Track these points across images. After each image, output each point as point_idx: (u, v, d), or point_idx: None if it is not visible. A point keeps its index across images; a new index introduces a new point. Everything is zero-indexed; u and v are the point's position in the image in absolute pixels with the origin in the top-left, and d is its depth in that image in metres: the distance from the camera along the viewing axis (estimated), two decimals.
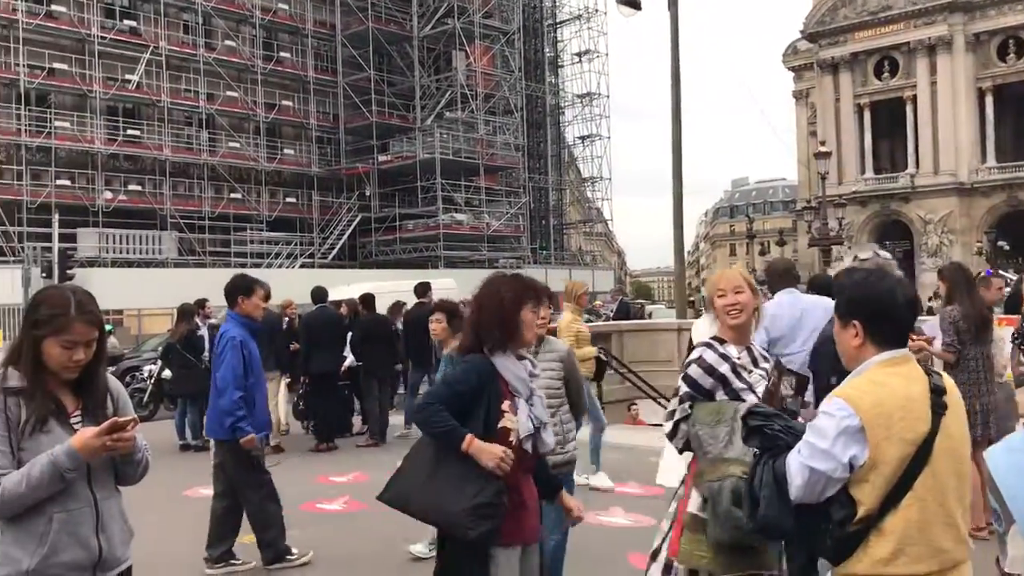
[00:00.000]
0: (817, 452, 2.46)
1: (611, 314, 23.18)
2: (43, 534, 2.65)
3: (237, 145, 39.45)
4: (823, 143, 36.31)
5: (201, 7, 37.94)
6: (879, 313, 2.56)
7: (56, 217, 27.26)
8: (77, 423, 2.77)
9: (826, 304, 5.72)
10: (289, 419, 12.12)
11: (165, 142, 36.77)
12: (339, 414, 11.61)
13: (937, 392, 2.52)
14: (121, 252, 33.62)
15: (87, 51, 34.75)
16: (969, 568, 2.56)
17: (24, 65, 33.02)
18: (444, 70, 45.01)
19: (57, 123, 34.08)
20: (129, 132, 36.39)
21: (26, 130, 33.02)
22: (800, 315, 5.54)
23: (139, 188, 36.46)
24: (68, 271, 23.41)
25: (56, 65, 34.18)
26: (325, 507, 7.79)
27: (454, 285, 28.72)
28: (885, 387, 2.48)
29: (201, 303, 12.14)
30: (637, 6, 18.93)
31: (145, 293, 28.04)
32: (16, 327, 22.36)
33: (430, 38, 43.46)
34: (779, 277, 5.91)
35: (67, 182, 34.18)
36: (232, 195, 39.03)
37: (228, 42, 39.49)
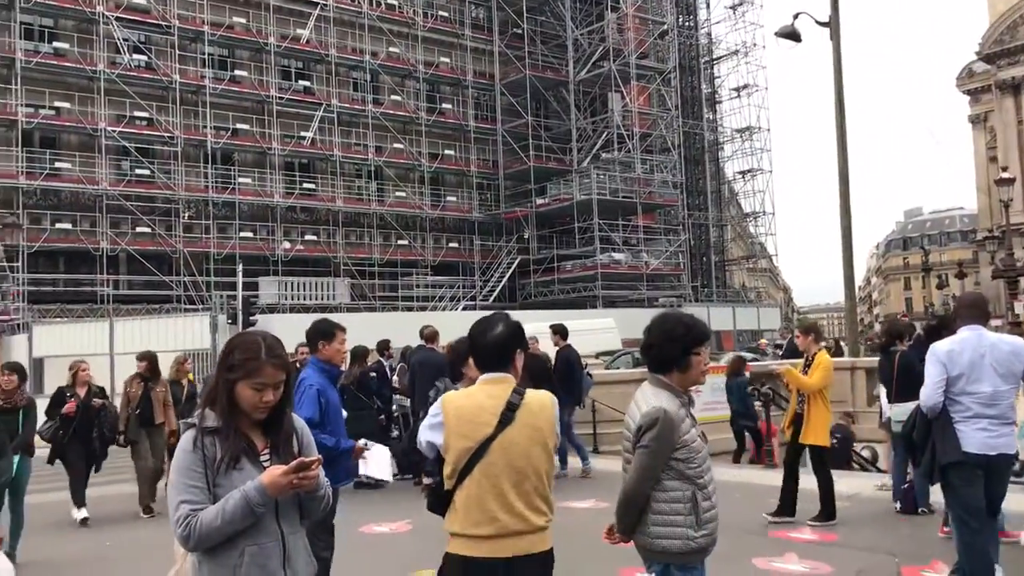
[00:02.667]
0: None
1: (780, 353, 22.48)
2: (236, 566, 2.79)
3: (403, 194, 40.94)
4: (1005, 168, 34.06)
5: (369, 65, 39.85)
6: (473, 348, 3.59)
7: (240, 267, 28.94)
8: (266, 461, 2.91)
9: (1013, 342, 5.39)
10: None
11: (337, 193, 38.57)
12: None
13: (510, 407, 3.38)
14: (298, 298, 35.27)
15: (266, 111, 37.09)
16: (538, 540, 3.36)
17: (211, 127, 35.55)
18: (600, 112, 45.28)
19: (240, 179, 36.37)
20: (304, 185, 38.39)
21: (213, 187, 35.44)
22: (984, 353, 5.22)
23: (314, 238, 38.31)
24: (251, 317, 24.80)
25: (239, 125, 36.62)
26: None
27: (613, 324, 28.58)
28: (471, 397, 3.45)
29: (385, 344, 12.71)
30: (797, 38, 18.51)
31: None
32: (205, 370, 23.92)
33: (586, 82, 43.89)
34: (964, 310, 5.55)
35: (249, 234, 36.32)
36: (399, 242, 40.39)
37: (394, 97, 41.24)
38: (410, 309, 36.94)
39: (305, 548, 2.99)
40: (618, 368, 21.18)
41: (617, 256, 41.34)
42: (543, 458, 3.45)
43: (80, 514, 9.75)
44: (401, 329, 14.62)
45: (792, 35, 18.39)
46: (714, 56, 54.81)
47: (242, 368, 2.89)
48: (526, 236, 43.21)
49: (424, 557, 6.15)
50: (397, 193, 40.86)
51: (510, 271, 42.00)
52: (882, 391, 9.46)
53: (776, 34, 18.63)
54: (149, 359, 10.65)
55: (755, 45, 51.85)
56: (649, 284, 41.71)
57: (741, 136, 52.91)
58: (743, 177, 53.58)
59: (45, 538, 8.66)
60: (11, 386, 7.84)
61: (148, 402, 10.31)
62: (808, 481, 8.45)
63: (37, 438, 8.98)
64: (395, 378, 12.50)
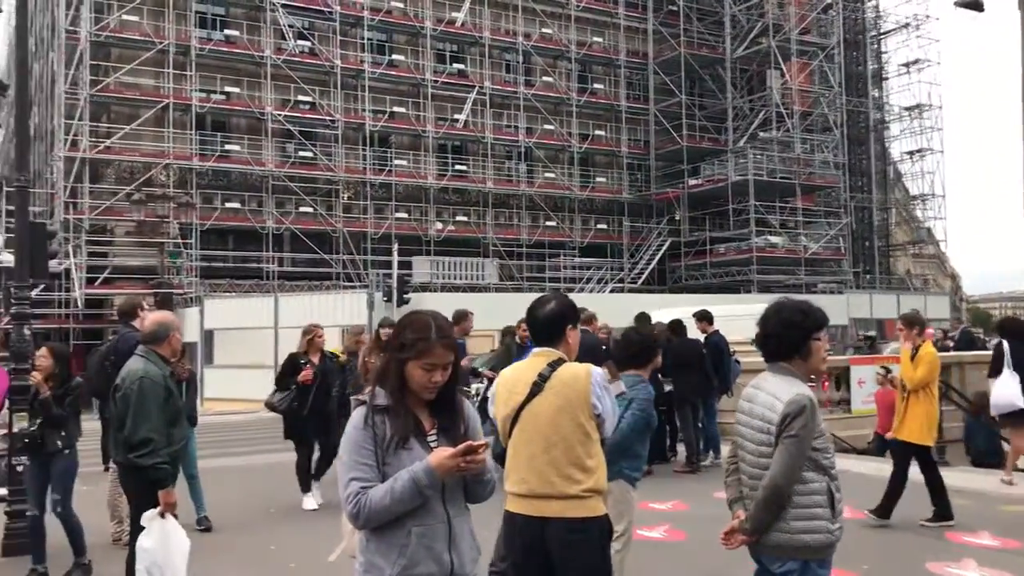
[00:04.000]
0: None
1: (951, 344, 21.26)
2: (403, 546, 2.79)
3: (553, 175, 40.97)
4: None
5: (521, 46, 39.99)
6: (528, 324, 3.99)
7: (395, 247, 29.78)
8: (433, 442, 2.90)
9: None
10: None
11: (488, 175, 39.00)
12: (655, 439, 11.55)
13: (540, 378, 3.65)
14: (449, 278, 35.95)
15: (421, 94, 37.86)
16: (570, 506, 3.56)
17: (369, 110, 36.63)
18: (758, 90, 43.82)
19: (396, 161, 37.34)
20: (457, 167, 39.00)
21: (370, 169, 36.54)
22: None
23: (465, 219, 38.89)
24: (405, 295, 25.52)
25: (396, 108, 37.54)
26: (645, 534, 7.73)
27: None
28: (516, 370, 3.82)
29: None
30: (980, 7, 17.25)
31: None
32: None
33: (743, 59, 42.57)
34: None
35: (404, 215, 37.25)
36: (548, 223, 40.48)
37: (546, 78, 41.26)
38: (557, 291, 36.89)
39: (470, 532, 2.97)
40: None
41: (774, 239, 40.01)
42: (571, 428, 3.60)
43: (310, 503, 9.15)
44: None
45: (974, 4, 17.16)
46: (881, 30, 52.05)
47: (413, 348, 2.88)
48: (677, 218, 42.42)
49: None
50: (546, 174, 40.93)
51: (660, 253, 41.38)
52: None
53: (956, 3, 17.42)
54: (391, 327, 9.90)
55: (927, 17, 48.92)
56: (808, 269, 40.17)
57: (909, 114, 50.14)
58: (910, 158, 50.83)
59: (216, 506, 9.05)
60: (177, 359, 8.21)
61: None
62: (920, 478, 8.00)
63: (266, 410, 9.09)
64: None
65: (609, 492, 3.83)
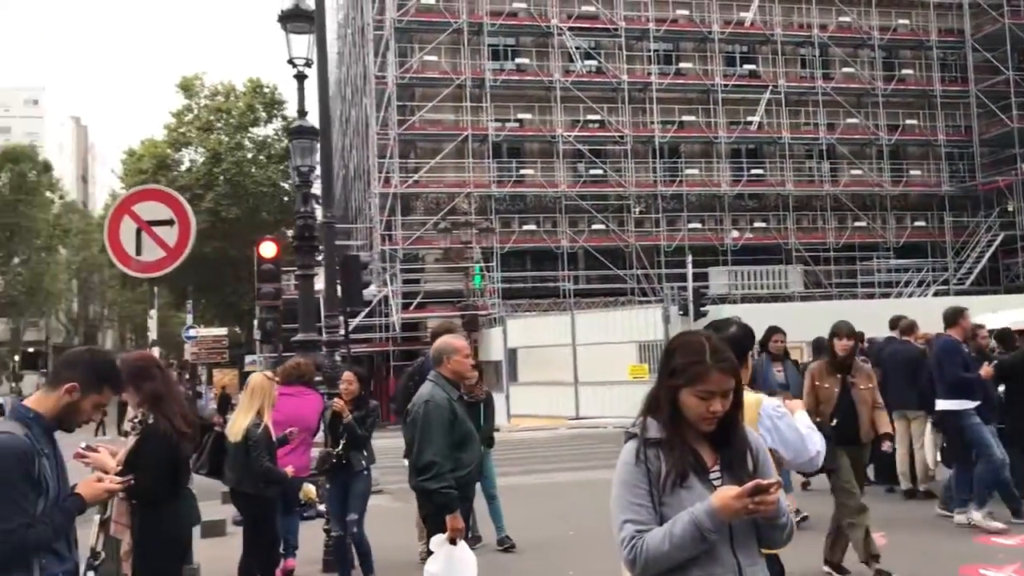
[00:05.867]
0: None
1: None
2: None
3: (859, 172, 38.33)
4: None
5: (817, 39, 37.88)
6: None
7: (689, 258, 29.24)
8: (716, 479, 2.56)
9: None
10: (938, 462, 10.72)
11: (787, 177, 37.28)
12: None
13: None
14: (749, 288, 34.76)
15: (711, 100, 37.01)
16: None
17: (657, 122, 36.39)
18: None
19: (687, 171, 36.76)
20: (752, 171, 37.69)
21: (661, 180, 36.26)
22: None
23: (763, 225, 37.44)
24: (701, 308, 24.88)
25: (685, 118, 37.01)
26: (990, 573, 6.67)
27: None
28: None
29: (858, 337, 11.43)
30: None
31: (769, 327, 28.25)
32: (654, 361, 24.41)
33: None
34: None
35: (697, 225, 36.56)
36: (856, 224, 37.91)
37: (846, 69, 38.76)
38: (871, 296, 34.37)
39: None
40: None
41: None
42: None
43: None
44: (863, 319, 13.25)
45: None
46: None
47: (685, 373, 2.55)
48: (1010, 208, 37.86)
49: None
50: (853, 171, 38.32)
51: (991, 250, 37.12)
52: None
53: None
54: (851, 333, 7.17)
55: None
56: None
57: None
58: None
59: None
60: (472, 381, 8.33)
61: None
62: None
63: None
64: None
65: None
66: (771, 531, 2.56)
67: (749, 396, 3.57)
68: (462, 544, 4.97)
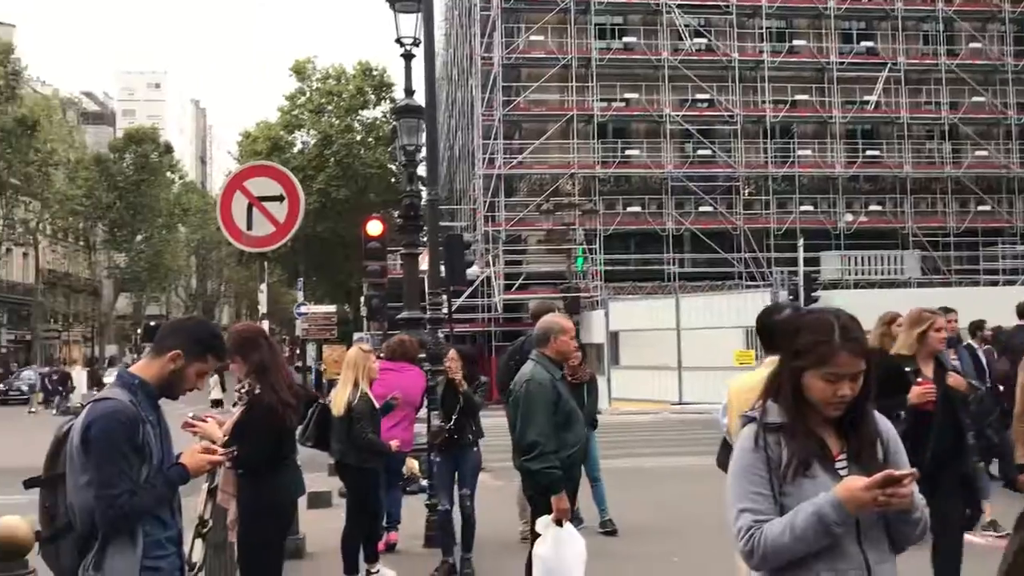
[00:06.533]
0: None
1: None
2: None
3: (984, 153, 36.47)
4: None
5: (942, 13, 36.07)
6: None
7: (800, 242, 28.41)
8: (842, 469, 2.40)
9: None
10: None
11: (905, 158, 35.80)
12: None
13: None
14: (862, 273, 33.57)
15: (826, 79, 35.76)
16: None
17: (769, 101, 35.39)
18: None
19: (799, 152, 35.73)
20: (868, 152, 36.41)
21: (772, 162, 35.31)
22: None
23: (879, 207, 36.19)
24: (812, 294, 24.13)
25: (798, 97, 35.92)
26: None
27: None
28: (750, 378, 4.04)
29: (978, 325, 10.84)
30: None
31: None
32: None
33: None
34: None
35: (809, 207, 35.53)
36: (980, 207, 36.14)
37: (973, 45, 36.80)
38: (994, 284, 32.69)
39: None
40: None
41: None
42: None
43: None
44: (985, 307, 12.55)
45: None
46: None
47: (810, 354, 2.38)
48: None
49: None
50: (977, 152, 36.48)
51: None
52: None
53: None
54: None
55: None
56: None
57: None
58: None
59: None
60: (576, 362, 8.21)
61: None
62: None
63: None
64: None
65: None
66: (903, 526, 2.38)
67: None
68: (568, 526, 4.88)
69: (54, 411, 31.12)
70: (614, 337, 29.11)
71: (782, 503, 2.36)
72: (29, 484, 3.17)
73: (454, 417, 7.01)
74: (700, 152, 35.54)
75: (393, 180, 47.76)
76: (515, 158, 34.61)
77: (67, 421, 3.16)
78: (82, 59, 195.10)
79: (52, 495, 3.11)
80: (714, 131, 36.03)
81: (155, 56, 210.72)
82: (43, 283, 54.05)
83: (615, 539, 8.11)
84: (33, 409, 33.39)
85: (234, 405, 5.07)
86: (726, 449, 3.65)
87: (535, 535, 4.98)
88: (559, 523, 4.86)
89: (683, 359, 26.47)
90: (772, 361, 3.75)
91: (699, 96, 35.45)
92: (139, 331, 72.50)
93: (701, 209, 35.00)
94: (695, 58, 35.43)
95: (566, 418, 5.07)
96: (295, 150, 47.29)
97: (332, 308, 35.47)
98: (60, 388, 33.14)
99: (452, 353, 7.41)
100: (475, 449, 7.14)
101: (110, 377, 34.98)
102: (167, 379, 3.19)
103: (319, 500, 9.75)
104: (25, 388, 38.31)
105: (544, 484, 4.89)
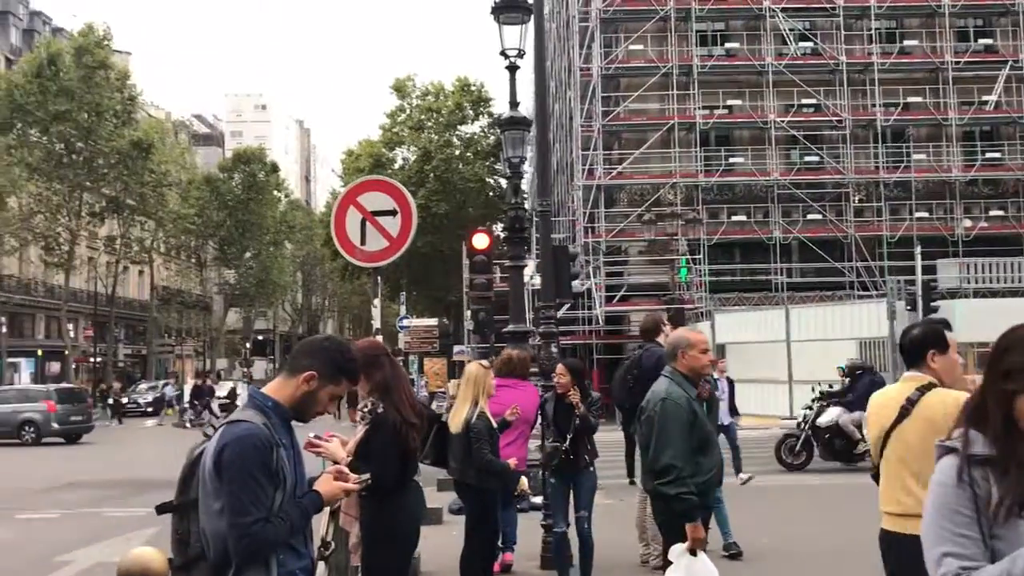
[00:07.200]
0: None
1: None
2: None
3: None
4: None
5: None
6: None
7: (917, 249, 27.22)
8: None
9: None
10: None
11: None
12: None
13: (908, 402, 3.80)
14: (983, 282, 31.92)
15: (941, 79, 34.30)
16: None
17: (879, 104, 34.15)
18: None
19: (913, 156, 34.44)
20: (988, 155, 34.81)
21: (883, 167, 34.06)
22: None
23: (1001, 213, 34.54)
24: (931, 303, 22.99)
25: (910, 99, 34.57)
26: None
27: None
28: (887, 392, 4.13)
29: None
30: None
31: (1009, 325, 25.79)
32: (877, 360, 22.80)
33: None
34: None
35: (925, 213, 34.14)
36: None
37: None
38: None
39: None
40: None
41: None
42: None
43: None
44: None
45: None
46: None
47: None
48: None
49: None
50: None
51: None
52: None
53: None
54: None
55: None
56: None
57: None
58: None
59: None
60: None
61: None
62: None
63: None
64: None
65: None
66: None
67: (947, 393, 3.71)
68: (702, 556, 4.58)
69: (187, 424, 32.21)
70: (721, 349, 28.36)
71: (993, 547, 2.04)
72: (161, 510, 3.06)
73: (569, 437, 6.78)
74: (807, 158, 34.59)
75: (491, 194, 48.12)
76: (615, 168, 34.30)
77: (200, 444, 3.05)
78: (192, 83, 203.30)
79: (184, 521, 3.00)
80: (821, 136, 35.02)
81: (261, 78, 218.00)
82: (157, 299, 56.20)
83: (741, 563, 7.74)
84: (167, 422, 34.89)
85: (358, 424, 4.96)
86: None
87: (667, 562, 4.70)
88: (693, 552, 4.57)
89: (793, 372, 25.63)
90: (912, 377, 3.89)
91: (805, 101, 34.50)
92: (248, 345, 74.73)
93: (809, 217, 34.01)
94: (800, 62, 34.50)
95: (702, 441, 4.77)
96: (396, 166, 48.09)
97: (433, 321, 35.79)
98: (195, 402, 33.88)
99: (560, 368, 7.16)
100: (591, 469, 6.91)
101: (222, 391, 36.22)
102: (300, 401, 3.05)
103: (430, 517, 9.64)
104: (141, 401, 40.56)
105: (678, 511, 4.60)
